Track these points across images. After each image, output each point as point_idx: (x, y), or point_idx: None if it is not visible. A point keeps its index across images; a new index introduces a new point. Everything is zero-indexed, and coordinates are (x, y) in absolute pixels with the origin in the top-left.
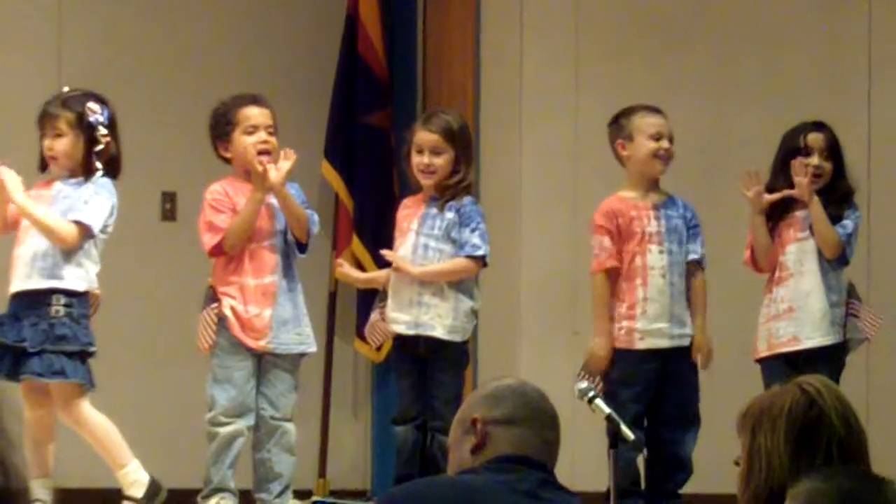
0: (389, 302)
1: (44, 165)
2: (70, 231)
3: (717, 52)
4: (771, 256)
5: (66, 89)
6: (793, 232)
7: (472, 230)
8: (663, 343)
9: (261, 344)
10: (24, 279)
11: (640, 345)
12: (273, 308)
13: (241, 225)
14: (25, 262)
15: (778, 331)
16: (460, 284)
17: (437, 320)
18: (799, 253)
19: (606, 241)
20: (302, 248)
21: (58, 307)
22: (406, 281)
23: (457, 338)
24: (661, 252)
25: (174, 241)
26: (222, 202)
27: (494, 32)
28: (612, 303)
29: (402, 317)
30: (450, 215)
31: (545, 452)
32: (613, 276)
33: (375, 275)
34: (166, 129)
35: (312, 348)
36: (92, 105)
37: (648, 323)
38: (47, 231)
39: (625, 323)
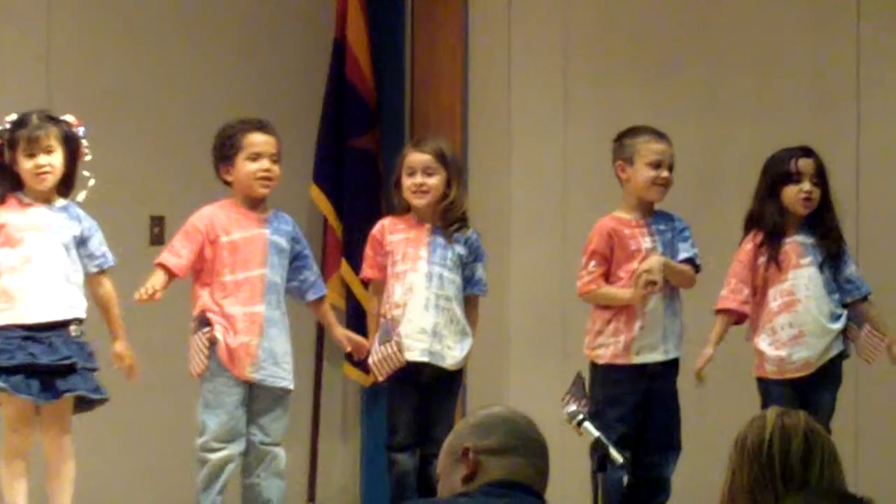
0: (404, 329)
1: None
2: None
3: (706, 74)
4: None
5: (12, 117)
6: (794, 258)
7: (484, 267)
8: (657, 357)
9: (246, 374)
10: (41, 310)
11: (636, 359)
12: (261, 338)
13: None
14: (41, 293)
15: (791, 356)
16: (469, 320)
17: (448, 352)
18: (804, 278)
19: (593, 264)
20: None
21: (75, 329)
22: (420, 308)
23: (459, 369)
24: None
25: None
26: (195, 235)
27: (483, 56)
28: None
29: (416, 344)
30: (459, 247)
31: (536, 480)
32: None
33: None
34: (155, 152)
35: (291, 385)
36: (70, 119)
37: (644, 338)
38: None
39: (622, 336)
